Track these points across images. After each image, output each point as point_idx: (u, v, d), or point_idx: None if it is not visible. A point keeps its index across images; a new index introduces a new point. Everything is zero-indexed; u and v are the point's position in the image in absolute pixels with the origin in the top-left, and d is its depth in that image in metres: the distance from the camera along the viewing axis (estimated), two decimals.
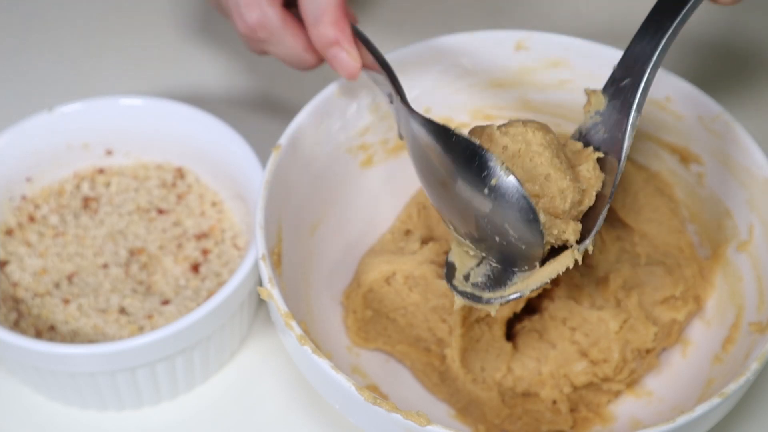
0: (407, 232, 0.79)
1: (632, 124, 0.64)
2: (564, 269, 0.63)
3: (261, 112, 0.92)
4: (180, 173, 0.82)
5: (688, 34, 0.97)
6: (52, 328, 0.74)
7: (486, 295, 0.65)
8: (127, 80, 0.94)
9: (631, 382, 0.74)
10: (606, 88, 0.66)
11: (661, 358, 0.75)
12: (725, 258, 0.75)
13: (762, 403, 0.76)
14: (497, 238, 0.63)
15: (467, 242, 0.65)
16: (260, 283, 0.71)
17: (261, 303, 0.78)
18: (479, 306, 0.65)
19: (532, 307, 0.75)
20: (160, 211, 0.80)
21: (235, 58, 0.96)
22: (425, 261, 0.74)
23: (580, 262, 0.63)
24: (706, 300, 0.76)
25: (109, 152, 0.82)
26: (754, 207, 0.73)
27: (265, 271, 0.67)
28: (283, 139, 0.73)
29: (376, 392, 0.72)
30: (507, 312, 0.73)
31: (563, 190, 0.62)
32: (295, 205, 0.74)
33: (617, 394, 0.74)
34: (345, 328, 0.76)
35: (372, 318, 0.75)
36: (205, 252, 0.78)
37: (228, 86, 0.94)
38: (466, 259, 0.66)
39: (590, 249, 0.64)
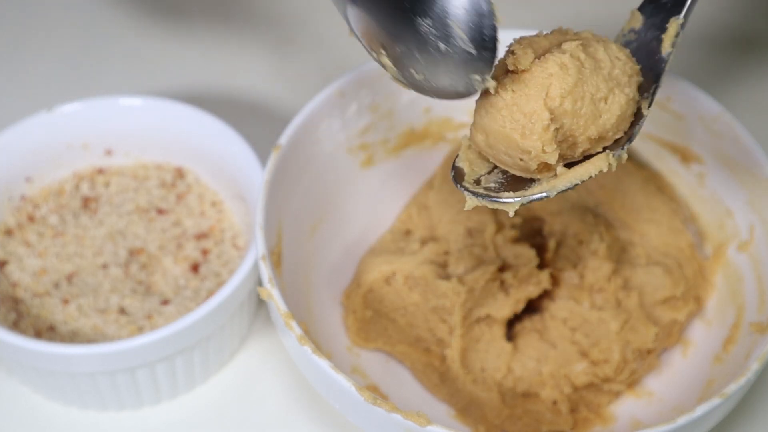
0: (407, 232, 0.79)
1: (677, 32, 0.60)
2: (596, 172, 0.58)
3: (261, 112, 0.92)
4: (180, 173, 0.82)
5: (688, 33, 0.97)
6: (51, 328, 0.74)
7: (504, 195, 0.59)
8: (127, 80, 0.94)
9: (632, 383, 0.74)
10: (643, 7, 0.63)
11: (662, 359, 0.75)
12: (726, 258, 0.75)
13: (762, 403, 0.76)
14: (442, 46, 0.55)
15: (402, 76, 0.58)
16: (260, 283, 0.70)
17: (261, 303, 0.78)
18: (495, 205, 0.58)
19: (532, 307, 0.75)
20: (160, 211, 0.80)
21: (235, 58, 0.96)
22: (425, 261, 0.74)
23: (614, 168, 0.58)
24: (707, 300, 0.76)
25: (108, 152, 0.82)
26: (754, 207, 0.73)
27: (265, 271, 0.67)
28: (283, 139, 0.73)
29: (376, 392, 0.72)
30: (507, 312, 0.73)
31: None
32: (295, 205, 0.74)
33: (618, 394, 0.74)
34: (345, 328, 0.76)
35: (372, 318, 0.75)
36: (204, 252, 0.78)
37: (228, 86, 0.94)
38: (476, 165, 0.61)
39: (624, 157, 0.59)
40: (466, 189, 0.59)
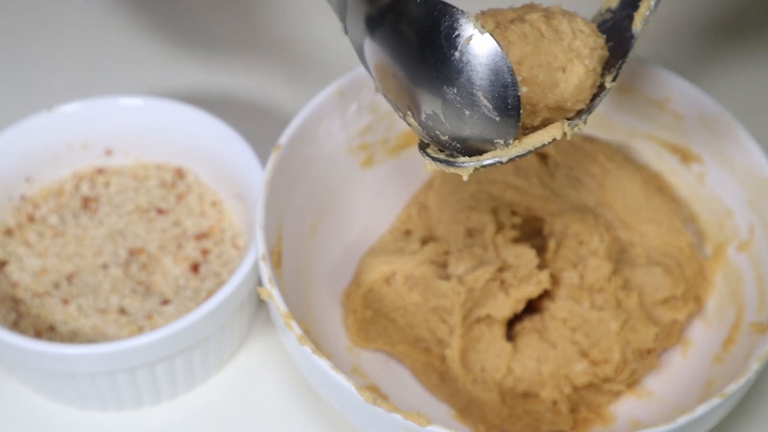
0: (407, 232, 0.79)
1: (648, 10, 0.62)
2: (550, 140, 0.59)
3: (261, 112, 0.92)
4: (179, 173, 0.82)
5: (688, 33, 0.97)
6: (51, 328, 0.74)
7: (461, 159, 0.59)
8: (127, 80, 0.94)
9: (632, 383, 0.74)
10: None
11: (662, 359, 0.75)
12: (726, 258, 0.75)
13: (762, 403, 0.76)
14: (467, 113, 0.57)
15: (428, 136, 0.59)
16: (260, 283, 0.70)
17: (261, 303, 0.78)
18: (451, 169, 0.59)
19: (532, 307, 0.75)
20: (160, 211, 0.80)
21: (235, 58, 0.96)
22: (425, 261, 0.74)
23: (569, 136, 0.59)
24: (707, 300, 0.76)
25: (108, 152, 0.82)
26: (754, 207, 0.73)
27: (265, 271, 0.67)
28: (283, 139, 0.73)
29: (376, 392, 0.72)
30: (507, 312, 0.73)
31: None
32: (295, 205, 0.74)
33: (618, 394, 0.74)
34: (345, 328, 0.76)
35: (372, 318, 0.75)
36: (204, 252, 0.78)
37: (228, 86, 0.94)
38: None
39: (581, 127, 0.60)
40: (427, 154, 0.60)
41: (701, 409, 0.62)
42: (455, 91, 0.56)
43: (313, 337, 0.70)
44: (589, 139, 0.80)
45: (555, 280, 0.74)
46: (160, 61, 0.96)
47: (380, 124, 0.79)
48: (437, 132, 0.58)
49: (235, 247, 0.79)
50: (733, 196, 0.75)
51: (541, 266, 0.74)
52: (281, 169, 0.72)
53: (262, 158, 0.76)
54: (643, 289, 0.74)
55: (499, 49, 0.55)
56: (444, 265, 0.75)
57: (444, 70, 0.56)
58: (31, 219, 0.79)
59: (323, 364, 0.64)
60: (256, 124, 0.88)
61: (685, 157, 0.77)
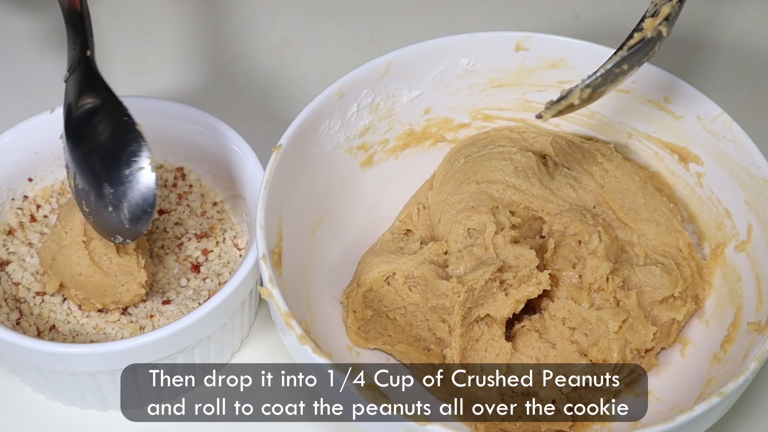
0: (407, 232, 0.79)
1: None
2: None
3: (261, 112, 0.92)
4: (181, 173, 0.82)
5: (687, 35, 0.97)
6: (53, 327, 0.74)
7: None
8: (127, 80, 0.94)
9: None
10: None
11: (660, 358, 0.75)
12: (724, 258, 0.75)
13: (760, 402, 0.76)
14: (110, 209, 0.68)
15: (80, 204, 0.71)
16: (261, 283, 0.71)
17: (261, 303, 0.78)
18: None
19: (531, 306, 0.75)
20: (161, 211, 0.80)
21: (235, 58, 0.96)
22: (425, 261, 0.74)
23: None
24: (705, 300, 0.76)
25: None
26: (752, 207, 0.73)
27: (266, 271, 0.67)
28: (283, 139, 0.73)
29: (376, 392, 0.72)
30: (506, 312, 0.73)
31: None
32: (295, 205, 0.75)
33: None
34: (345, 327, 0.76)
35: (372, 318, 0.76)
36: (206, 252, 0.78)
37: (228, 86, 0.94)
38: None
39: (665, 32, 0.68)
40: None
41: (700, 409, 0.63)
42: (111, 191, 0.68)
43: (313, 336, 0.71)
44: (588, 140, 0.80)
45: (554, 279, 0.75)
46: (160, 61, 0.96)
47: (380, 124, 0.79)
48: (84, 204, 0.70)
49: (235, 246, 0.79)
50: (732, 196, 0.75)
51: (541, 267, 0.74)
52: (281, 169, 0.72)
53: (262, 158, 0.76)
54: (642, 288, 0.74)
55: (153, 186, 0.67)
56: (444, 265, 0.75)
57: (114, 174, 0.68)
58: (33, 219, 0.79)
59: (323, 363, 0.64)
60: (256, 124, 0.88)
61: (684, 157, 0.78)
